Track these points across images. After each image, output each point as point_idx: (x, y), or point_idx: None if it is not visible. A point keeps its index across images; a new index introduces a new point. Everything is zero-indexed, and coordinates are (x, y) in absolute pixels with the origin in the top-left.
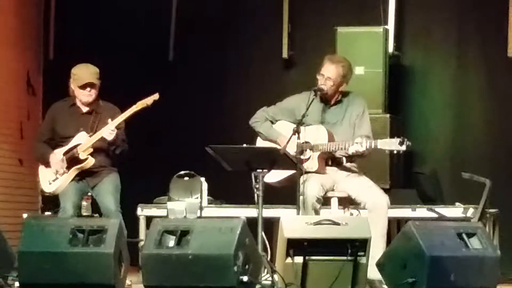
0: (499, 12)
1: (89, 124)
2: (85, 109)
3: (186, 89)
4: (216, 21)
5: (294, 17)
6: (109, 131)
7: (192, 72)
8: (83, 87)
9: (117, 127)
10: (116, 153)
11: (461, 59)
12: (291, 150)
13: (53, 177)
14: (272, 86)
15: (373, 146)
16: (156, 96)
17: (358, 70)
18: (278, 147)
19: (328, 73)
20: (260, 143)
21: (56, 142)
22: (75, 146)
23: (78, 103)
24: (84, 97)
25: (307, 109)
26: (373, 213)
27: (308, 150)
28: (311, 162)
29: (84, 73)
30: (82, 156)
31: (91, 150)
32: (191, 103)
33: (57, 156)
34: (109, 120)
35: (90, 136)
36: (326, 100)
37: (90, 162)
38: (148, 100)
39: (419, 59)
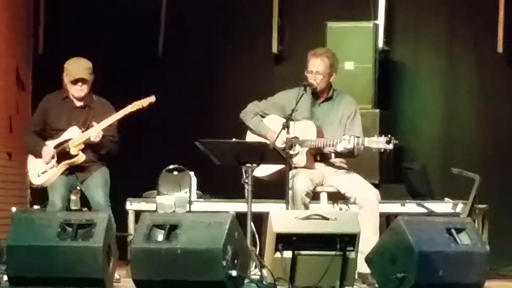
0: (489, 7)
1: (82, 119)
2: (78, 103)
3: (176, 84)
4: (205, 17)
5: (284, 11)
6: (95, 133)
7: (182, 68)
8: (74, 82)
9: (110, 125)
10: (101, 154)
11: (451, 55)
12: (280, 144)
13: (42, 170)
14: (262, 81)
15: (360, 143)
16: (152, 99)
17: (348, 65)
18: (268, 141)
19: (316, 68)
20: (250, 137)
21: (46, 133)
22: (67, 141)
23: (71, 97)
24: (75, 92)
25: (297, 104)
26: (363, 208)
27: (297, 145)
28: (300, 157)
29: (75, 69)
30: (73, 151)
31: (83, 146)
32: (180, 98)
33: (50, 148)
34: (94, 123)
35: (83, 131)
36: (317, 96)
37: (81, 158)
38: (144, 102)
39: (409, 54)
